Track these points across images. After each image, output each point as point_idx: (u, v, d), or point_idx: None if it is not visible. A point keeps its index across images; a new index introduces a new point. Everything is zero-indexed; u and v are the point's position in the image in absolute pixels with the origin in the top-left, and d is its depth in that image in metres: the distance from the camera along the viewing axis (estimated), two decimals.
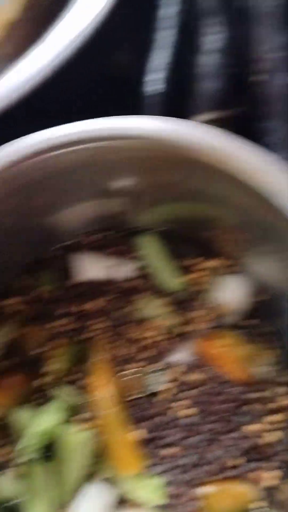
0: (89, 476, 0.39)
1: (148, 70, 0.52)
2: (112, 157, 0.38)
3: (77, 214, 0.44)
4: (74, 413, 0.39)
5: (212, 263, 0.45)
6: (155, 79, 0.51)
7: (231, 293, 0.44)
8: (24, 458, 0.36)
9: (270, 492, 0.39)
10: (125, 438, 0.38)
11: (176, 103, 0.50)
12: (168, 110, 0.50)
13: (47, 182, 0.38)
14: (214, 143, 0.35)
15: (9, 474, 0.38)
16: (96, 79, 0.56)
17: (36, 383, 0.41)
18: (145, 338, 0.42)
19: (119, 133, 0.36)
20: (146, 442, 0.39)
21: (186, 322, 0.43)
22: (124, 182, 0.41)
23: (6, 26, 0.50)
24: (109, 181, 0.41)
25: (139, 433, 0.39)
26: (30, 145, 0.34)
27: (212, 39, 0.48)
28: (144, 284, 0.44)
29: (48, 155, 0.35)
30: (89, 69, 0.54)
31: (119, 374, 0.41)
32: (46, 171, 0.36)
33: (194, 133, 0.35)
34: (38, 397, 0.41)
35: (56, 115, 0.54)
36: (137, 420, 0.40)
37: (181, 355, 0.42)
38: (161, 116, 0.36)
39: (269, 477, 0.39)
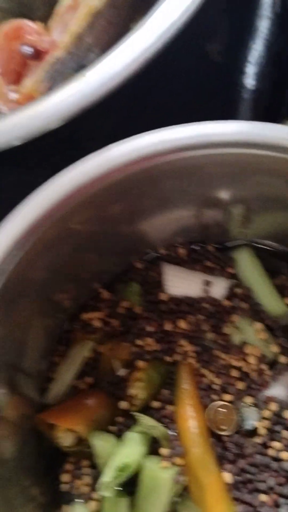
0: None
1: (246, 62, 0.47)
2: (216, 164, 0.34)
3: (171, 223, 0.41)
4: (159, 444, 0.36)
5: None
6: (253, 72, 0.46)
7: None
8: (106, 493, 0.34)
9: None
10: (213, 479, 0.35)
11: (275, 100, 0.45)
12: (266, 107, 0.46)
13: (149, 188, 0.35)
14: None
15: (88, 506, 0.36)
16: (189, 70, 0.52)
17: (119, 405, 0.38)
18: (240, 366, 0.39)
19: (224, 140, 0.32)
20: (234, 485, 0.36)
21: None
22: (224, 191, 0.37)
23: (89, 16, 0.47)
24: (210, 190, 0.37)
25: (228, 475, 0.36)
26: (137, 149, 0.31)
27: None
28: (241, 304, 0.40)
29: (154, 160, 0.31)
30: (183, 60, 0.50)
31: (209, 405, 0.38)
32: (150, 176, 0.33)
33: None
34: (121, 422, 0.38)
35: (150, 107, 0.51)
36: (227, 460, 0.36)
37: (281, 389, 0.38)
38: (270, 123, 0.31)
39: None
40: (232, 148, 0.32)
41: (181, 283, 0.41)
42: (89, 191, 0.32)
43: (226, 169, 0.34)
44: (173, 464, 0.35)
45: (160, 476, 0.34)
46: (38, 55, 0.50)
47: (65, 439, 0.37)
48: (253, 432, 0.37)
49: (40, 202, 0.32)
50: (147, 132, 0.32)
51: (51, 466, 0.39)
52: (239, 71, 0.48)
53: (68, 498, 0.38)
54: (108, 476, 0.34)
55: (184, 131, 0.32)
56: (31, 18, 0.54)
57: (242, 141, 0.32)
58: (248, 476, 0.36)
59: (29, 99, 0.48)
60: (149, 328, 0.40)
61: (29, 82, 0.49)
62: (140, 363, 0.39)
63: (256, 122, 0.32)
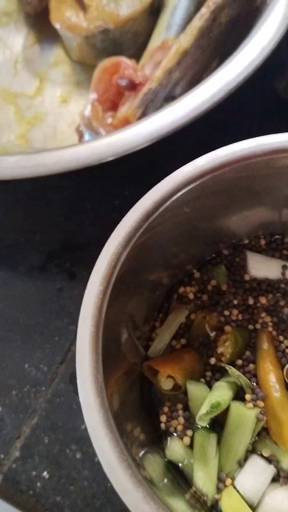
0: (252, 451, 0.43)
1: None
2: None
3: (256, 218, 0.49)
4: (243, 392, 0.44)
5: None
6: None
7: None
8: (202, 423, 0.42)
9: None
10: None
11: None
12: None
13: (244, 185, 0.43)
14: None
15: (182, 440, 0.44)
16: (258, 104, 0.61)
17: (209, 361, 0.46)
18: None
19: None
20: None
21: None
22: None
23: (179, 54, 0.57)
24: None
25: None
26: (240, 150, 0.40)
27: None
28: None
29: (247, 162, 0.40)
30: (253, 94, 0.59)
31: (284, 364, 0.45)
32: (247, 175, 0.42)
33: None
34: (210, 375, 0.46)
35: (232, 130, 0.60)
36: None
37: None
38: None
39: None
40: None
41: (262, 267, 0.50)
42: (198, 184, 0.41)
43: None
44: (256, 406, 0.43)
45: (246, 413, 0.42)
46: (132, 86, 0.61)
47: (166, 384, 0.45)
48: None
49: (154, 194, 0.40)
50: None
51: (151, 410, 0.47)
52: None
53: (165, 435, 0.45)
54: (204, 409, 0.42)
55: (277, 138, 0.40)
56: (122, 55, 0.65)
57: None
58: None
59: (124, 123, 0.58)
60: (235, 301, 0.48)
61: (125, 108, 0.59)
62: (227, 328, 0.47)
63: None
